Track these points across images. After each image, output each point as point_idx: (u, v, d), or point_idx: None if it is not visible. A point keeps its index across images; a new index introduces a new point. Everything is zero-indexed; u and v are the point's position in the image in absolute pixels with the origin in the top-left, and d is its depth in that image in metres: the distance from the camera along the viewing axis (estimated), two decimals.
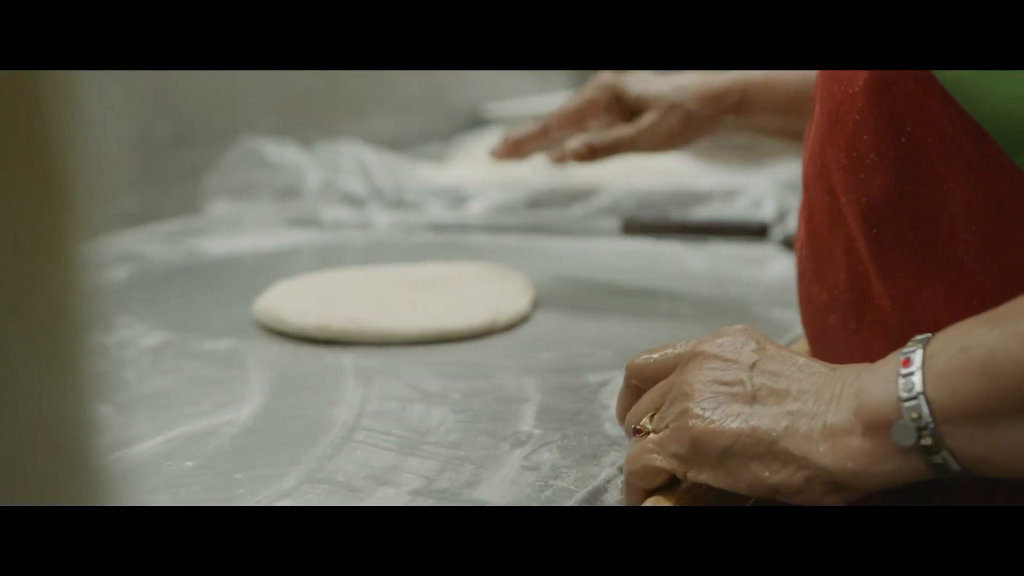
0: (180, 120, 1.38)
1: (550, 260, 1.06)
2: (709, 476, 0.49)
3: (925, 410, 0.45)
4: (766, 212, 1.13)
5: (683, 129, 0.86)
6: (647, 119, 0.86)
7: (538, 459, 0.58)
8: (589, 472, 0.56)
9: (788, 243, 1.05)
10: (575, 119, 0.89)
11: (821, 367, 0.51)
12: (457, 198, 1.32)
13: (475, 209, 1.28)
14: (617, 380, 0.68)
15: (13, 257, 0.23)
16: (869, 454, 0.46)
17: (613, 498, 0.54)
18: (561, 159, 0.90)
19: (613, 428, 0.61)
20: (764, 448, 0.48)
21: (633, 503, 0.52)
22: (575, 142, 0.86)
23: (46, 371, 0.24)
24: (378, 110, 1.76)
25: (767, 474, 0.48)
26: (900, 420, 0.45)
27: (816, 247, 0.62)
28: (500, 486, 0.54)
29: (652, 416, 0.53)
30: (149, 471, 0.57)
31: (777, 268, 0.98)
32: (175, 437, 0.61)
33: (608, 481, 0.55)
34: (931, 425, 0.45)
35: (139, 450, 0.59)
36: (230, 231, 1.23)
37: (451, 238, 1.18)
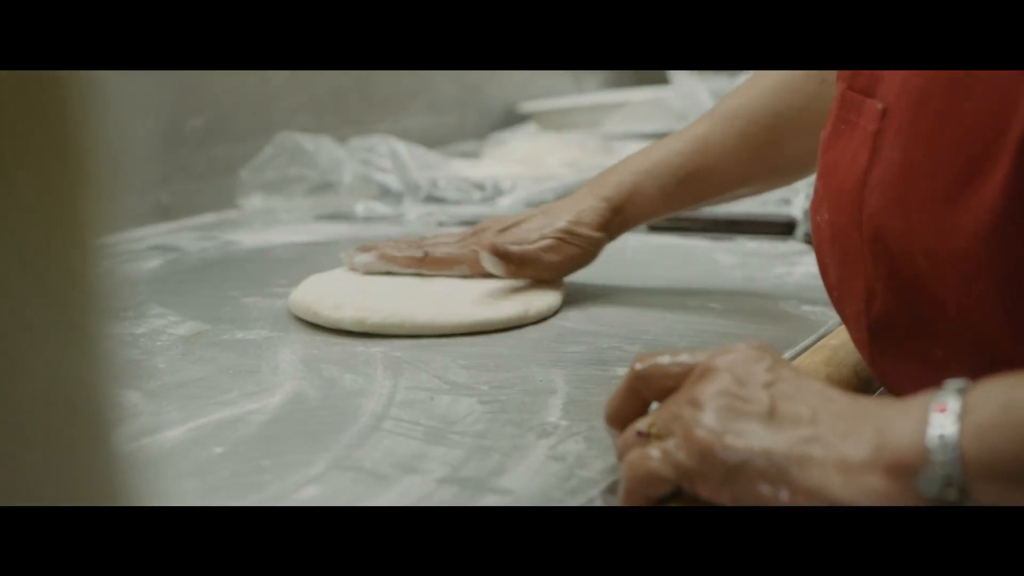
0: (216, 116, 1.39)
1: None
2: (713, 492, 0.48)
3: (957, 464, 0.43)
4: (794, 209, 1.13)
5: (582, 255, 0.86)
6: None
7: (564, 449, 0.58)
8: (613, 463, 0.56)
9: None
10: (450, 266, 0.88)
11: (837, 394, 0.49)
12: (488, 193, 1.32)
13: (506, 203, 1.29)
14: None
15: (40, 243, 0.24)
16: (887, 495, 0.44)
17: None
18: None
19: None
20: (776, 472, 0.47)
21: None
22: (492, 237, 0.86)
23: (67, 348, 0.25)
24: (413, 108, 1.77)
25: (775, 498, 0.46)
26: (927, 469, 0.43)
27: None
28: (525, 475, 0.55)
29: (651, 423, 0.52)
30: (178, 457, 0.58)
31: (805, 264, 0.98)
32: (204, 424, 0.62)
33: None
34: (961, 479, 0.43)
35: (168, 436, 0.60)
36: (264, 225, 1.24)
37: None
